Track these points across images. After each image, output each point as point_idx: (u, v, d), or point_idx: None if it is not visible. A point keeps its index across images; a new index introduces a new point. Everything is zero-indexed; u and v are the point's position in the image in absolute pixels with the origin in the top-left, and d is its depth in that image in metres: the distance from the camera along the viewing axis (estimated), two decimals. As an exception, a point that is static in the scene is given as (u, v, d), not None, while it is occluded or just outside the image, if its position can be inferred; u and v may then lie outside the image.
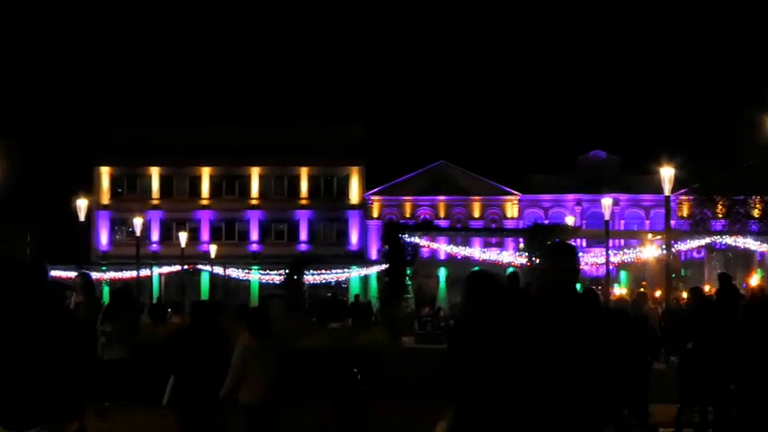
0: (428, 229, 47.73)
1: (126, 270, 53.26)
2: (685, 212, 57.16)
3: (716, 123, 45.41)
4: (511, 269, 32.53)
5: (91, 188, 63.26)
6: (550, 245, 5.58)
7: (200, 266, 60.56)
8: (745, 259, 42.38)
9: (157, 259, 60.76)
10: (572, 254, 5.40)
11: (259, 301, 59.23)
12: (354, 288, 60.30)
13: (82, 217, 37.79)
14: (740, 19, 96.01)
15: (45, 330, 5.92)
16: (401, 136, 76.49)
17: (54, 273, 51.97)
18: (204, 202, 69.15)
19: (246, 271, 62.18)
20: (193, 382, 9.84)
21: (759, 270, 40.75)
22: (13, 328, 5.85)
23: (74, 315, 9.29)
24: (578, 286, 5.68)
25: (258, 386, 9.67)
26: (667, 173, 26.32)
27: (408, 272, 31.78)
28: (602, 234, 37.81)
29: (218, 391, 9.64)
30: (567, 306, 5.13)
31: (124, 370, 14.85)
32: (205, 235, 67.87)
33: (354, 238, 68.89)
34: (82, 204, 37.56)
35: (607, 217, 36.74)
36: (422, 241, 38.01)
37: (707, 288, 28.51)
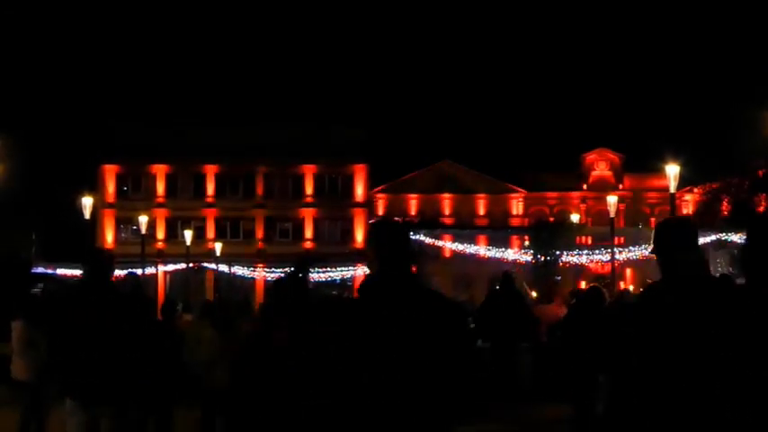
0: (433, 226, 47.83)
1: (131, 268, 53.25)
2: (690, 210, 57.16)
3: (718, 121, 45.45)
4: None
5: (96, 186, 63.28)
6: (374, 223, 4.47)
7: (205, 264, 60.60)
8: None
9: (163, 257, 60.79)
10: (402, 233, 4.38)
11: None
12: (359, 286, 60.15)
13: (87, 215, 37.82)
14: (740, 19, 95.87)
15: (134, 327, 7.07)
16: (405, 134, 76.56)
17: (59, 271, 52.15)
18: (209, 201, 69.14)
19: (252, 269, 62.16)
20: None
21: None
22: (110, 321, 6.89)
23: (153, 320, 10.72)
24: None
25: (221, 374, 10.45)
26: (672, 170, 26.27)
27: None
28: (607, 232, 37.76)
29: (161, 381, 10.21)
30: (405, 296, 4.20)
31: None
32: (210, 233, 67.84)
33: (359, 236, 68.83)
34: (87, 203, 37.60)
35: (612, 214, 36.70)
36: (427, 239, 38.11)
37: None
